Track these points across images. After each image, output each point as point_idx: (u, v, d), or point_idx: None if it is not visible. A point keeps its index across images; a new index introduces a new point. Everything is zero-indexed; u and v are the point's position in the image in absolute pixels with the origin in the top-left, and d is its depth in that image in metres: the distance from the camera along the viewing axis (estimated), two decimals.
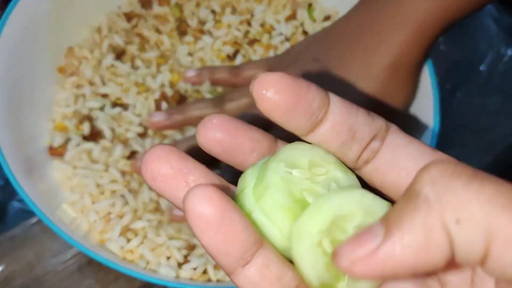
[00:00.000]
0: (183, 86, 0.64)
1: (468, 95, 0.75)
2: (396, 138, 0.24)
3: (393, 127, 0.25)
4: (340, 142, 0.23)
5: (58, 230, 0.46)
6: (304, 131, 0.23)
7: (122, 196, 0.55)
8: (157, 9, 0.69)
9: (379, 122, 0.24)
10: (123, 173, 0.57)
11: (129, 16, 0.69)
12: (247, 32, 0.69)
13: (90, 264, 0.59)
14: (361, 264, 0.18)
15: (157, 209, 0.56)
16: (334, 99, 0.23)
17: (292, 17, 0.70)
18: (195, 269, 0.52)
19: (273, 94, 0.22)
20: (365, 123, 0.23)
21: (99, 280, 0.60)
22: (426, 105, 0.57)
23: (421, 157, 0.23)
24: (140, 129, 0.60)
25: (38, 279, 0.61)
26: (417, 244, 0.18)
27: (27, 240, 0.63)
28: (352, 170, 0.24)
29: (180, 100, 0.63)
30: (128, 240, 0.52)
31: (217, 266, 0.52)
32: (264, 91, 0.22)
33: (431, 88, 0.56)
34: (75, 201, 0.55)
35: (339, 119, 0.23)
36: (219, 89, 0.63)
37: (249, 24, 0.69)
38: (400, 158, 0.24)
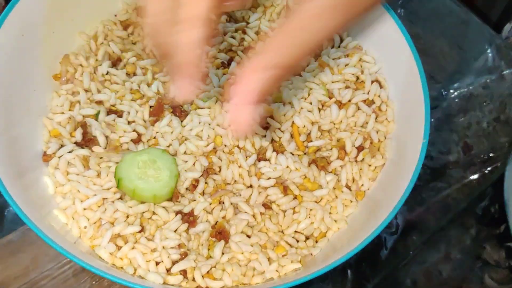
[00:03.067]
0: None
1: None
2: None
3: None
4: None
5: (46, 239, 0.46)
6: None
7: (114, 202, 0.55)
8: None
9: None
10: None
11: (125, 24, 0.70)
12: (242, 40, 0.69)
13: (85, 269, 0.59)
14: None
15: (154, 213, 0.56)
16: None
17: None
18: (183, 274, 0.52)
19: None
20: None
21: (94, 285, 0.60)
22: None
23: None
24: (134, 135, 0.61)
25: (34, 284, 0.61)
26: None
27: (23, 245, 0.63)
28: None
29: (174, 106, 0.63)
30: (119, 248, 0.52)
31: (206, 274, 0.52)
32: None
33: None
34: (67, 207, 0.55)
35: None
36: (212, 96, 0.63)
37: (244, 32, 0.69)
38: None
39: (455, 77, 0.82)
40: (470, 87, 0.82)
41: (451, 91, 0.81)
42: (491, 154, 0.76)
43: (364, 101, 0.63)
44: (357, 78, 0.65)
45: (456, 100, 0.81)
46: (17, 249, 0.65)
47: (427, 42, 0.84)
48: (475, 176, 0.74)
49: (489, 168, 0.75)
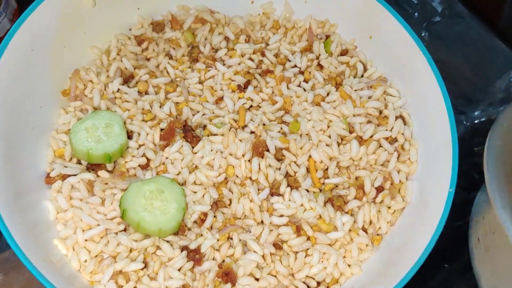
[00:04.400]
0: (190, 117, 0.61)
1: None
2: None
3: None
4: None
5: (38, 275, 0.43)
6: None
7: (117, 234, 0.52)
8: (169, 33, 0.67)
9: None
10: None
11: (139, 39, 0.67)
12: (260, 62, 0.66)
13: None
14: None
15: (158, 247, 0.53)
16: None
17: (307, 49, 0.67)
18: None
19: None
20: None
21: None
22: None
23: None
24: (143, 161, 0.58)
25: None
26: None
27: (19, 264, 0.61)
28: None
29: (186, 130, 0.60)
30: (120, 287, 0.49)
31: None
32: None
33: None
34: (67, 236, 0.53)
35: None
36: (226, 122, 0.60)
37: (263, 54, 0.66)
38: None
39: (478, 106, 0.78)
40: (492, 117, 0.78)
41: (472, 118, 0.77)
42: None
43: (387, 138, 0.59)
44: (380, 112, 0.61)
45: (477, 128, 0.77)
46: (13, 267, 0.62)
47: (450, 68, 0.80)
48: None
49: None
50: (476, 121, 0.77)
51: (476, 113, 0.78)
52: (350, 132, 0.59)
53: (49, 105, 0.60)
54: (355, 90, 0.62)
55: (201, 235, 0.54)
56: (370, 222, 0.56)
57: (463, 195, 0.71)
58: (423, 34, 0.83)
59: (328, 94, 0.62)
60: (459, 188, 0.72)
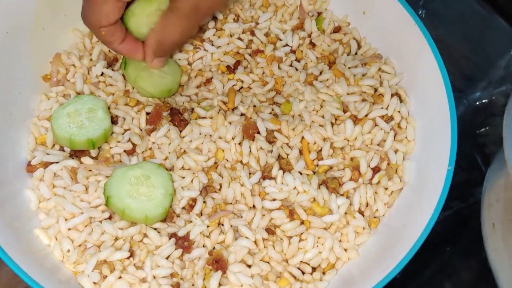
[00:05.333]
0: (178, 100, 0.59)
1: None
2: None
3: None
4: None
5: (17, 270, 0.41)
6: None
7: (101, 222, 0.50)
8: None
9: None
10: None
11: None
12: (250, 42, 0.63)
13: None
14: None
15: (145, 235, 0.50)
16: None
17: (299, 27, 0.64)
18: None
19: None
20: None
21: None
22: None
23: None
24: (128, 146, 0.55)
25: None
26: None
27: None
28: None
29: (173, 114, 0.57)
30: (104, 277, 0.47)
31: None
32: None
33: None
34: (50, 226, 0.50)
35: None
36: (214, 104, 0.58)
37: (252, 33, 0.63)
38: None
39: (478, 86, 0.76)
40: (493, 97, 0.75)
41: (473, 99, 0.75)
42: None
43: (382, 116, 0.57)
44: (375, 90, 0.59)
45: (478, 108, 0.75)
46: None
47: (448, 46, 0.78)
48: None
49: None
50: (477, 102, 0.74)
51: (477, 94, 0.76)
52: (344, 112, 0.57)
53: (29, 91, 0.57)
54: (349, 68, 0.60)
55: (190, 221, 0.52)
56: (367, 204, 0.54)
57: (463, 176, 0.68)
58: (420, 12, 0.80)
59: (321, 73, 0.60)
60: (459, 169, 0.69)
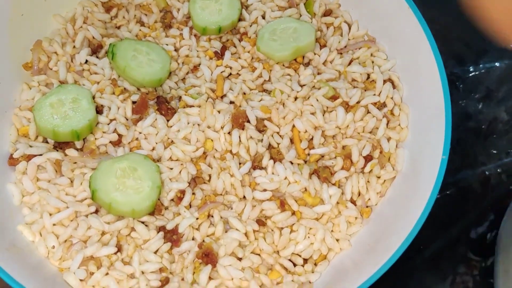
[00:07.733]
0: (165, 87, 0.57)
1: None
2: None
3: None
4: None
5: None
6: None
7: (87, 217, 0.49)
8: None
9: None
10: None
11: (107, 6, 0.61)
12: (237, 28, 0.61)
13: None
14: None
15: (132, 229, 0.49)
16: None
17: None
18: None
19: None
20: None
21: None
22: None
23: None
24: (114, 137, 0.54)
25: None
26: None
27: None
28: None
29: (160, 102, 0.55)
30: (91, 274, 0.46)
31: None
32: None
33: None
34: (33, 221, 0.49)
35: None
36: (202, 92, 0.56)
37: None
38: None
39: (472, 67, 0.75)
40: (487, 76, 0.74)
41: (467, 82, 0.73)
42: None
43: (375, 103, 0.55)
44: (368, 76, 0.57)
45: (471, 89, 0.74)
46: None
47: (442, 27, 0.76)
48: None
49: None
50: (470, 83, 0.73)
51: (470, 75, 0.74)
52: (336, 98, 0.55)
53: (9, 80, 0.55)
54: (340, 53, 0.58)
55: (179, 214, 0.50)
56: (359, 194, 0.53)
57: (457, 163, 0.68)
58: None
59: (311, 59, 0.58)
60: (454, 155, 0.68)
